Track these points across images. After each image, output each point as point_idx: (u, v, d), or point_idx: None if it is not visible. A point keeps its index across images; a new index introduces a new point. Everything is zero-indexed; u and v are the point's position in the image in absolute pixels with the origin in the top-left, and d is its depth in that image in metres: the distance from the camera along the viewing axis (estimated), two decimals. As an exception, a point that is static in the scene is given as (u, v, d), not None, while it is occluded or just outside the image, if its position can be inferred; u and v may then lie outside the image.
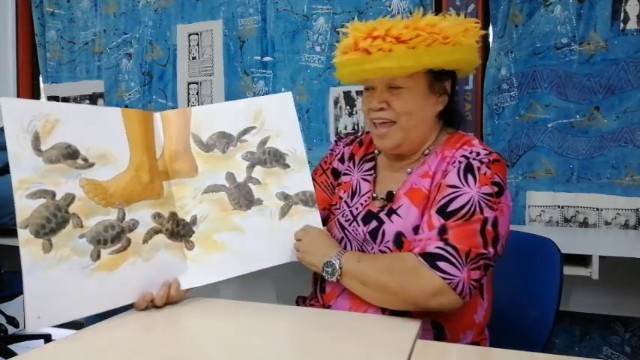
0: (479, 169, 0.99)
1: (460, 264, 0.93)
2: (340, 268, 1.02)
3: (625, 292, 1.97)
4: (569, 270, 1.66)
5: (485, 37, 2.27)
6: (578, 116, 2.09)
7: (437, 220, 0.98)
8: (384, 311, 1.02)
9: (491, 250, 0.96)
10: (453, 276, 0.92)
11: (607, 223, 2.07)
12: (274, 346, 0.87)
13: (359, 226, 1.12)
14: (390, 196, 1.11)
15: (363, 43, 1.05)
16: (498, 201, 0.99)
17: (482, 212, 0.96)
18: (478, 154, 1.01)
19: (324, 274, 1.05)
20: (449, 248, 0.94)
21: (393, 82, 1.07)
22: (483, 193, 0.97)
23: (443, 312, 0.96)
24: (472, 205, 0.96)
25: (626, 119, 2.02)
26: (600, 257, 1.68)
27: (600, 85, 2.05)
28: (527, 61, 2.15)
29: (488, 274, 1.05)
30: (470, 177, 0.99)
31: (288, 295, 1.28)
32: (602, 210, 2.08)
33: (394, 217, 1.07)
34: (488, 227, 0.96)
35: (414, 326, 0.92)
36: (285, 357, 0.82)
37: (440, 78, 1.10)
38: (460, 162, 1.01)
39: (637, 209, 2.03)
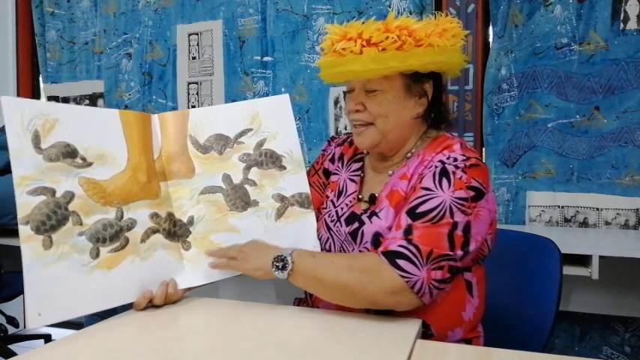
0: (454, 173, 0.98)
1: (420, 263, 0.92)
2: (292, 262, 0.98)
3: (625, 292, 1.97)
4: (569, 270, 1.66)
5: (486, 37, 2.27)
6: (578, 116, 2.09)
7: (405, 221, 0.97)
8: (368, 311, 1.01)
9: (458, 252, 0.95)
10: (412, 275, 0.91)
11: (607, 223, 2.07)
12: (274, 346, 0.87)
13: (342, 226, 1.13)
14: (373, 199, 1.11)
15: (338, 46, 1.05)
16: (474, 205, 0.97)
17: (452, 217, 0.95)
18: (455, 159, 1.00)
19: (273, 271, 0.99)
20: (411, 247, 0.93)
21: (368, 84, 1.07)
22: (457, 198, 0.96)
23: (398, 309, 0.95)
24: (442, 208, 0.95)
25: (626, 119, 2.02)
26: (600, 257, 1.68)
27: (600, 85, 2.06)
28: (527, 61, 2.16)
29: (475, 274, 1.05)
30: (444, 181, 0.98)
31: (288, 295, 1.28)
32: (602, 210, 2.08)
33: (374, 218, 1.07)
34: (458, 232, 0.95)
35: (414, 326, 0.92)
36: (285, 357, 0.82)
37: (419, 80, 1.08)
38: (437, 166, 1.00)
39: (637, 209, 2.03)
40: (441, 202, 0.96)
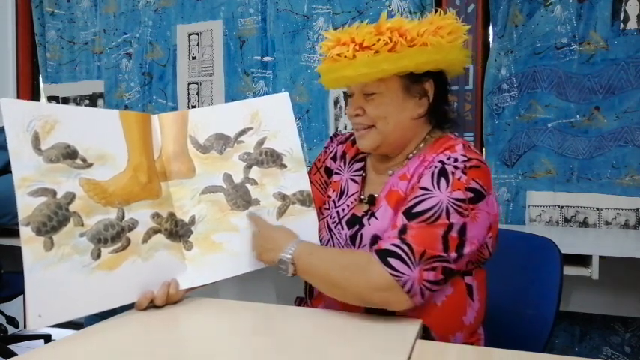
0: (453, 174, 0.97)
1: (412, 263, 0.91)
2: (293, 263, 1.02)
3: (625, 292, 1.97)
4: (569, 270, 1.66)
5: (486, 37, 2.27)
6: (578, 116, 2.09)
7: (401, 221, 0.97)
8: (368, 311, 1.02)
9: (452, 254, 0.94)
10: (402, 274, 0.91)
11: (607, 223, 2.07)
12: (274, 346, 0.87)
13: (343, 229, 1.12)
14: (372, 200, 1.11)
15: (332, 52, 1.06)
16: (472, 207, 0.96)
17: (448, 218, 0.94)
18: (456, 159, 0.99)
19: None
20: (404, 246, 0.93)
21: (365, 88, 1.07)
22: (454, 199, 0.95)
23: (389, 308, 0.95)
24: (439, 209, 0.94)
25: (626, 119, 2.03)
26: (600, 257, 1.68)
27: (600, 85, 2.06)
28: (527, 61, 2.16)
29: (475, 278, 1.05)
30: (442, 181, 0.97)
31: (288, 295, 1.28)
32: (602, 210, 2.08)
33: (372, 220, 1.07)
34: (453, 233, 0.94)
35: (414, 326, 0.92)
36: (285, 357, 0.82)
37: (417, 80, 1.07)
38: (436, 167, 0.99)
39: (637, 209, 2.03)
40: (438, 203, 0.95)
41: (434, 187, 0.97)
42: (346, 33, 1.05)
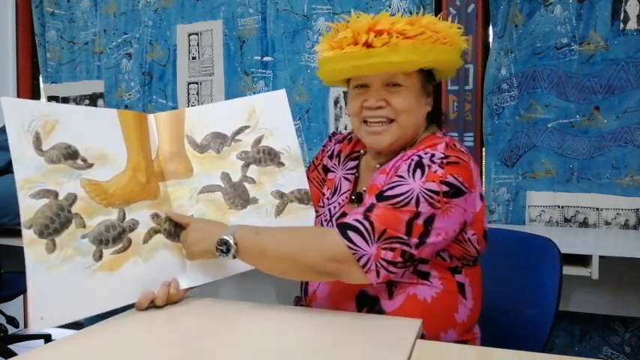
0: (429, 166, 0.97)
1: (371, 239, 0.92)
2: (236, 243, 0.98)
3: (625, 292, 1.97)
4: (569, 270, 1.66)
5: (486, 37, 2.27)
6: (578, 116, 2.09)
7: (370, 200, 0.97)
8: (360, 309, 1.02)
9: (414, 240, 0.93)
10: (359, 248, 0.92)
11: (607, 223, 2.07)
12: (274, 346, 0.87)
13: (333, 227, 1.12)
14: (359, 197, 1.12)
15: (365, 37, 1.02)
16: (445, 201, 0.95)
17: (417, 206, 0.94)
18: (433, 155, 0.99)
19: (218, 254, 1.00)
20: (366, 223, 0.93)
21: (393, 79, 1.06)
22: (426, 189, 0.95)
23: (343, 280, 0.95)
24: (409, 196, 0.94)
25: (626, 119, 2.03)
26: (600, 257, 1.68)
27: (600, 85, 2.06)
28: (527, 61, 2.16)
29: (467, 276, 1.04)
30: (418, 172, 0.97)
31: (288, 295, 1.28)
32: (602, 210, 2.08)
33: None
34: (418, 221, 0.93)
35: (414, 326, 0.92)
36: (285, 357, 0.82)
37: (430, 79, 1.11)
38: (413, 159, 1.00)
39: (637, 209, 2.03)
40: (409, 190, 0.95)
41: (409, 176, 0.97)
42: (383, 19, 1.04)
